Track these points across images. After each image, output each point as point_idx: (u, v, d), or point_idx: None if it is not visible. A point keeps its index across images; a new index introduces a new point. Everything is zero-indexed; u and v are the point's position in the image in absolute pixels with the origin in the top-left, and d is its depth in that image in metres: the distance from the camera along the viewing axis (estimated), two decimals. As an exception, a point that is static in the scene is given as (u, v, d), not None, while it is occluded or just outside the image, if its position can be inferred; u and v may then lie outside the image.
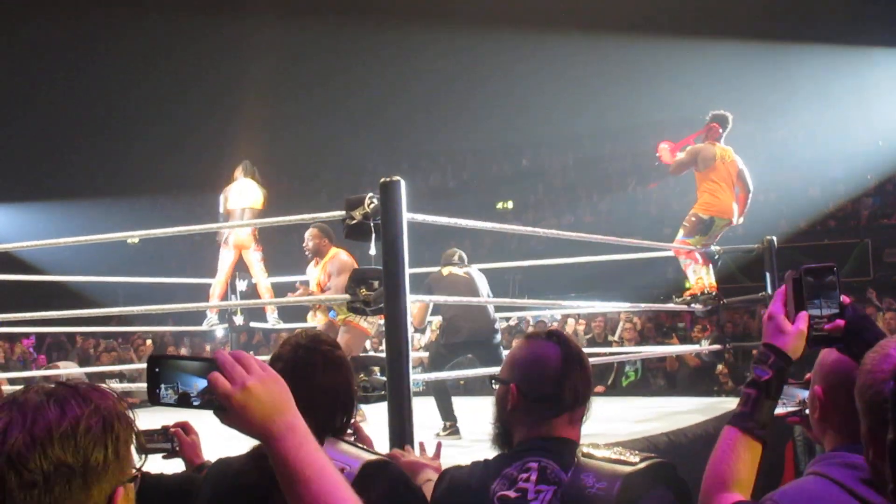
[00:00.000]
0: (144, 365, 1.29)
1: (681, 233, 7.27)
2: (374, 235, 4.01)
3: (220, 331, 9.79)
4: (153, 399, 1.26)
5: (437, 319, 7.11)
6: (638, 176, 19.02)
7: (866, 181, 16.47)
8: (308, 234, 6.89)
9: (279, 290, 8.54)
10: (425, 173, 22.81)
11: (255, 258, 8.33)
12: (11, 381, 7.86)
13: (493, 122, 22.32)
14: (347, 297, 4.14)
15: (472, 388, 8.97)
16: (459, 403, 6.16)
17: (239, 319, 8.51)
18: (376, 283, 3.99)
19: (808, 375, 1.82)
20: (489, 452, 2.18)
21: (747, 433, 1.68)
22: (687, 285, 7.43)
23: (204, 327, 8.65)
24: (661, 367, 10.16)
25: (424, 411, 5.26)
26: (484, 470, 2.06)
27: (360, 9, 20.61)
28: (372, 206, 3.99)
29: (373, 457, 2.08)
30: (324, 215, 4.61)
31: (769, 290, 7.07)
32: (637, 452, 1.97)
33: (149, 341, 12.87)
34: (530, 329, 11.25)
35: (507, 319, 11.48)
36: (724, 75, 18.16)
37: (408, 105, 21.95)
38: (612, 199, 19.21)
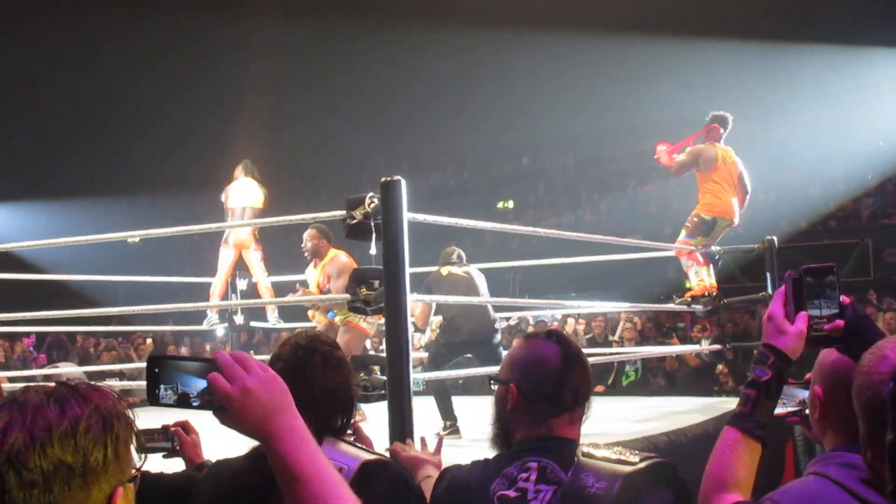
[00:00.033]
0: (144, 364, 1.30)
1: (683, 233, 7.27)
2: (374, 235, 4.01)
3: (220, 330, 9.80)
4: (153, 399, 1.26)
5: (437, 319, 7.11)
6: (638, 176, 19.02)
7: (867, 181, 16.46)
8: (306, 235, 6.89)
9: (279, 289, 8.54)
10: (426, 173, 22.78)
11: (255, 258, 8.33)
12: (11, 380, 7.86)
13: (494, 121, 22.30)
14: (348, 296, 4.14)
15: (471, 387, 8.97)
16: (459, 403, 6.16)
17: (239, 319, 8.52)
18: (377, 283, 3.99)
19: (808, 375, 1.82)
20: (489, 452, 2.18)
21: (747, 433, 1.68)
22: (688, 285, 7.43)
23: (204, 326, 8.66)
24: (661, 366, 10.16)
25: (424, 411, 5.26)
26: (484, 469, 2.06)
27: (360, 8, 20.62)
28: (372, 205, 3.99)
29: (371, 456, 2.08)
30: (324, 215, 4.61)
31: (769, 290, 7.06)
32: (637, 452, 1.97)
33: (149, 340, 12.88)
34: (530, 329, 11.25)
35: (508, 319, 11.48)
36: (725, 75, 18.15)
37: (408, 105, 21.94)
38: (613, 199, 19.20)
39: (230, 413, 1.22)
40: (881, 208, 16.29)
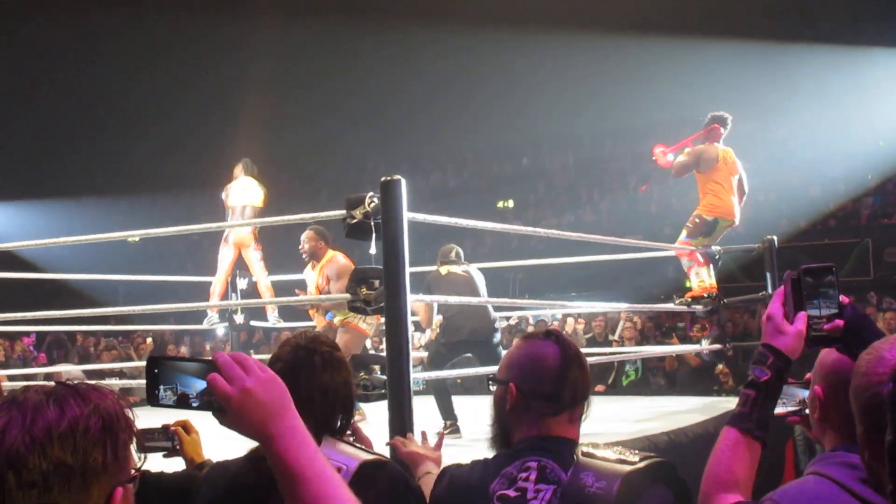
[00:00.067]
0: (145, 363, 1.30)
1: (683, 233, 7.26)
2: (374, 235, 4.01)
3: (220, 329, 9.80)
4: (152, 400, 1.26)
5: (437, 319, 7.11)
6: (638, 175, 19.02)
7: (867, 181, 16.46)
8: (304, 237, 6.90)
9: (279, 288, 8.55)
10: (426, 173, 22.78)
11: (255, 257, 8.34)
12: (11, 378, 7.86)
13: (494, 121, 22.30)
14: (348, 296, 4.14)
15: (470, 386, 8.96)
16: (458, 402, 6.16)
17: (239, 318, 8.52)
18: (377, 283, 3.99)
19: (808, 375, 1.82)
20: (489, 452, 2.18)
21: (746, 434, 1.68)
22: (688, 285, 7.43)
23: (204, 325, 8.66)
24: (661, 366, 10.16)
25: (425, 410, 5.26)
26: (484, 469, 2.06)
27: (360, 8, 20.61)
28: (372, 205, 3.99)
29: (370, 456, 2.08)
30: (324, 214, 4.61)
31: (770, 290, 7.06)
32: (637, 452, 1.97)
33: (149, 339, 12.89)
34: (530, 329, 11.25)
35: (508, 319, 11.48)
36: (725, 75, 18.15)
37: (408, 104, 21.93)
38: (613, 199, 19.20)
39: (230, 414, 1.22)
40: (881, 208, 16.29)
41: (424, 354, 7.41)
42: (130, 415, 1.19)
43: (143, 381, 1.28)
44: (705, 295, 7.14)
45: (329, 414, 2.14)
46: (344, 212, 4.10)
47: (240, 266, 8.39)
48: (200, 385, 1.24)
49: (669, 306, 7.77)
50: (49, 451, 1.09)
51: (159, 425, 2.65)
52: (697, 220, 7.17)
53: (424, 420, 4.40)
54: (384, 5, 20.27)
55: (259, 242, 8.41)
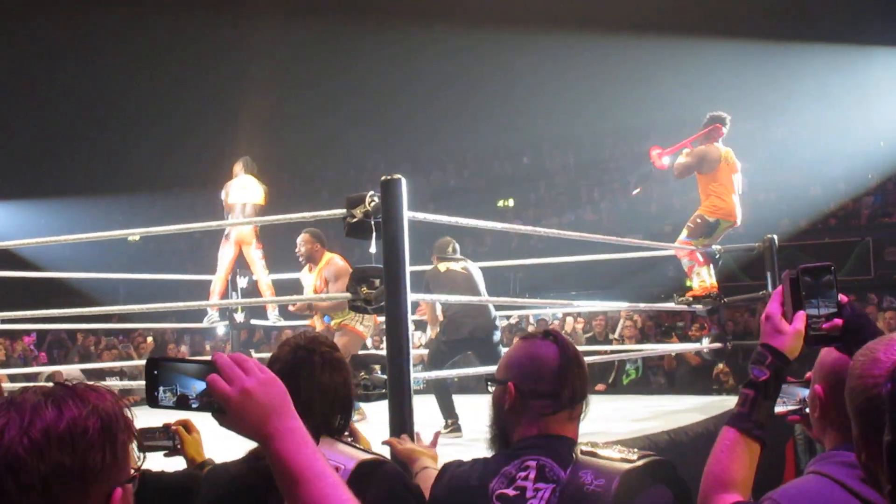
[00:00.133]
0: (145, 363, 1.30)
1: (684, 233, 7.25)
2: (374, 234, 4.02)
3: (220, 328, 9.80)
4: (152, 401, 1.26)
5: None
6: (639, 175, 19.02)
7: (867, 180, 16.47)
8: (300, 239, 6.91)
9: (280, 287, 8.55)
10: (426, 172, 22.78)
11: (256, 255, 8.34)
12: (11, 378, 7.87)
13: (494, 121, 22.30)
14: (348, 295, 4.14)
15: (467, 385, 8.93)
16: (457, 401, 6.15)
17: (240, 317, 8.52)
18: (377, 282, 4.00)
19: (808, 374, 1.82)
20: (488, 451, 2.18)
21: (745, 433, 1.69)
22: (688, 284, 7.42)
23: (205, 324, 8.67)
24: (661, 365, 10.16)
25: (425, 409, 5.27)
26: (483, 468, 2.07)
27: (361, 8, 20.60)
28: (373, 204, 4.00)
29: (368, 456, 2.08)
30: (325, 214, 4.61)
31: (770, 289, 7.06)
32: (636, 450, 1.97)
33: (149, 339, 12.88)
34: (531, 328, 11.26)
35: (508, 318, 11.48)
36: (725, 75, 18.16)
37: (409, 104, 21.94)
38: (613, 198, 19.20)
39: (229, 414, 1.22)
40: (881, 207, 16.30)
41: (425, 353, 7.40)
42: (129, 415, 1.19)
43: (144, 382, 1.28)
44: (706, 295, 7.14)
45: (328, 414, 2.14)
46: (344, 211, 4.11)
47: (240, 264, 8.39)
48: (200, 386, 1.24)
49: (670, 305, 7.77)
50: (47, 453, 1.08)
51: (160, 424, 2.65)
52: (699, 221, 7.15)
53: (425, 419, 4.41)
54: (384, 5, 20.27)
55: (260, 241, 8.41)
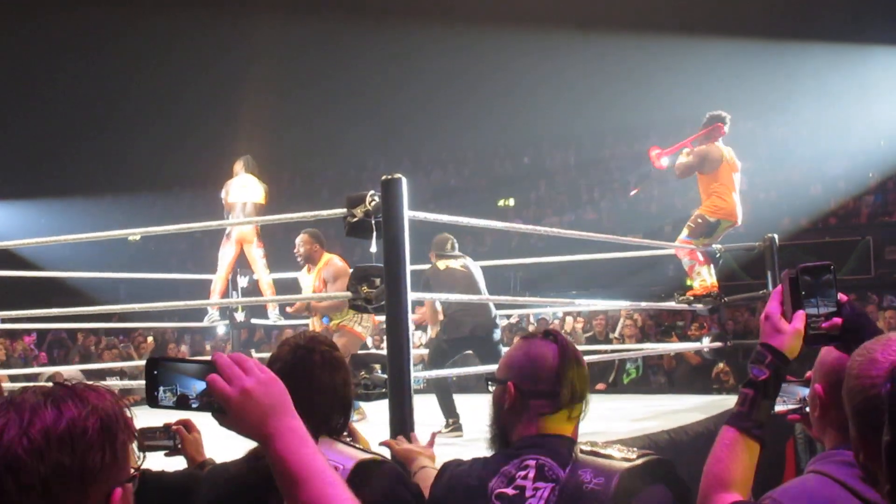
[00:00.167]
0: (145, 362, 1.30)
1: (685, 232, 7.23)
2: (375, 233, 4.02)
3: (221, 327, 9.80)
4: (152, 401, 1.26)
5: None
6: (639, 175, 19.04)
7: (867, 179, 16.48)
8: (299, 240, 6.90)
9: (280, 286, 8.55)
10: (427, 171, 22.80)
11: (257, 254, 8.34)
12: (12, 378, 7.87)
13: (495, 120, 22.32)
14: (349, 294, 4.14)
15: (465, 384, 8.90)
16: (456, 401, 6.14)
17: (240, 316, 8.51)
18: (378, 281, 4.00)
19: (808, 373, 1.82)
20: (488, 451, 2.19)
21: (745, 433, 1.69)
22: (689, 283, 7.41)
23: (205, 323, 8.66)
24: (661, 364, 10.15)
25: (426, 409, 5.26)
26: (483, 467, 2.07)
27: (361, 6, 20.62)
28: (373, 203, 3.99)
29: (367, 456, 2.08)
30: (325, 213, 4.61)
31: (770, 288, 7.05)
32: (635, 449, 1.98)
33: (150, 338, 12.88)
34: (531, 327, 11.26)
35: (508, 317, 11.47)
36: (725, 74, 18.18)
37: (409, 103, 21.95)
38: (614, 197, 19.22)
39: (229, 414, 1.22)
40: (882, 206, 16.31)
41: (425, 353, 7.39)
42: (129, 415, 1.19)
43: (144, 381, 1.28)
44: (707, 294, 7.13)
45: (328, 413, 2.14)
46: (345, 210, 4.10)
47: (240, 264, 8.39)
48: (200, 386, 1.24)
49: (670, 305, 7.76)
50: (47, 453, 1.08)
51: (161, 424, 2.65)
52: (700, 221, 7.13)
53: (425, 419, 4.41)
54: (385, 4, 20.28)
55: (261, 239, 8.41)
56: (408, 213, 3.92)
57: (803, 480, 1.59)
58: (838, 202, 16.40)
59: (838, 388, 1.61)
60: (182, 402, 1.25)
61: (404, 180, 3.95)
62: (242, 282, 8.37)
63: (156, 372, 1.26)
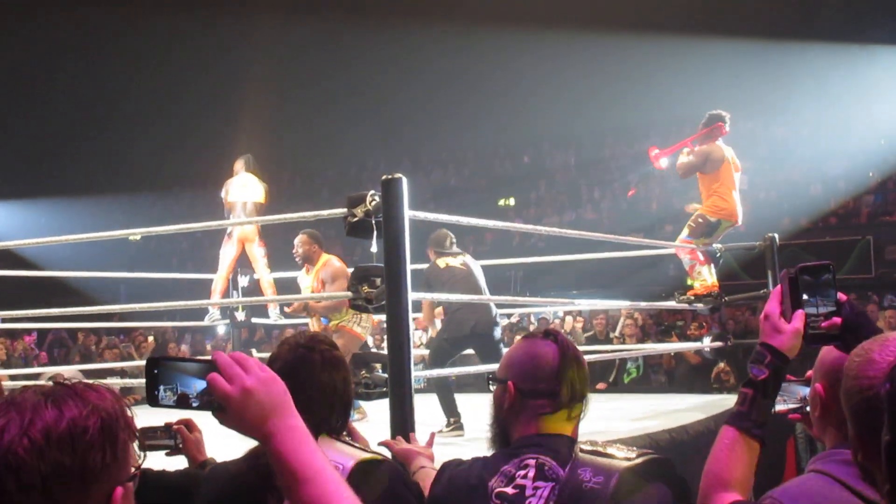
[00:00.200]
0: (146, 362, 1.30)
1: (685, 232, 7.22)
2: (375, 233, 4.02)
3: (221, 327, 9.80)
4: (152, 400, 1.26)
5: (437, 311, 7.07)
6: (640, 174, 19.04)
7: (868, 178, 16.48)
8: (298, 240, 6.91)
9: (281, 286, 8.55)
10: (427, 171, 22.81)
11: (258, 253, 8.35)
12: (12, 378, 7.87)
13: (495, 119, 22.32)
14: (349, 294, 4.14)
15: (463, 384, 8.89)
16: (457, 400, 6.14)
17: (240, 315, 8.51)
18: (378, 281, 4.00)
19: (808, 373, 1.82)
20: (488, 450, 2.19)
21: (745, 433, 1.69)
22: (689, 283, 7.41)
23: (206, 322, 8.67)
24: (662, 363, 10.15)
25: (426, 408, 5.26)
26: (483, 466, 2.07)
27: (361, 6, 20.62)
28: (374, 203, 3.99)
29: (367, 455, 2.08)
30: (325, 213, 4.61)
31: (771, 288, 7.05)
32: (635, 449, 1.98)
33: (150, 338, 12.88)
34: (532, 327, 11.26)
35: (509, 316, 11.47)
36: (726, 73, 18.17)
37: (409, 103, 21.96)
38: (614, 197, 19.22)
39: (229, 413, 1.22)
40: (882, 206, 16.31)
41: (426, 352, 7.39)
42: (130, 414, 1.19)
43: (144, 381, 1.28)
44: (708, 294, 7.12)
45: (328, 413, 2.14)
46: (345, 210, 4.10)
47: (241, 263, 8.40)
48: (200, 385, 1.24)
49: (671, 304, 7.76)
50: (47, 453, 1.08)
51: (162, 424, 2.65)
52: (700, 221, 7.12)
53: (426, 418, 4.41)
54: (385, 4, 20.28)
55: (262, 238, 8.42)
56: (408, 213, 3.92)
57: (804, 480, 1.60)
58: (838, 202, 16.40)
59: (839, 387, 1.61)
60: (182, 401, 1.25)
61: (405, 180, 3.95)
62: (243, 281, 8.37)
63: (156, 371, 1.26)
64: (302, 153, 23.22)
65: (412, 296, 3.96)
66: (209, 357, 1.26)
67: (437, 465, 2.36)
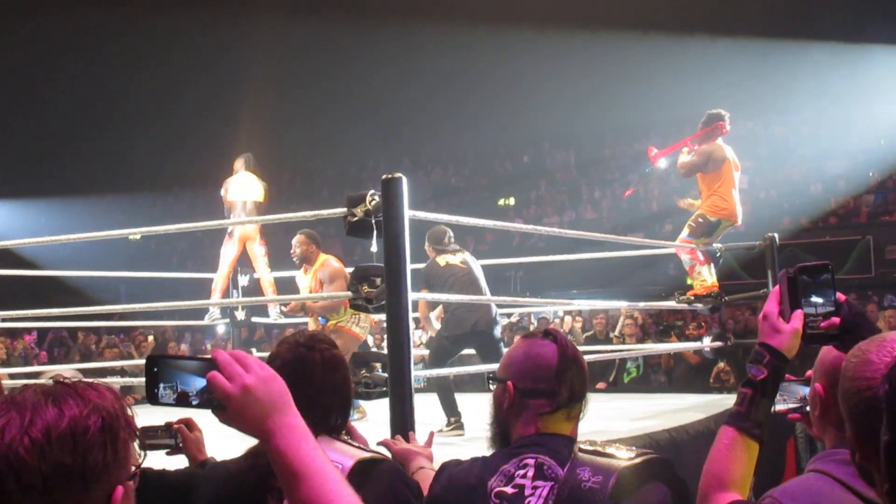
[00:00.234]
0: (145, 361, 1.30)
1: (685, 232, 7.22)
2: (375, 232, 4.02)
3: (221, 326, 9.80)
4: (152, 399, 1.26)
5: (437, 310, 7.06)
6: (640, 174, 19.03)
7: (868, 178, 16.48)
8: (295, 241, 6.91)
9: (280, 285, 8.56)
10: (427, 170, 22.81)
11: (259, 252, 8.34)
12: (12, 377, 7.87)
13: (495, 119, 22.32)
14: (349, 294, 4.14)
15: (461, 383, 8.87)
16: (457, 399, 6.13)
17: (240, 314, 8.52)
18: (378, 280, 4.00)
19: (808, 372, 1.82)
20: (487, 450, 2.19)
21: (744, 432, 1.69)
22: (689, 282, 7.41)
23: (205, 321, 8.67)
24: (661, 363, 10.15)
25: (426, 408, 5.26)
26: (482, 466, 2.07)
27: (361, 6, 20.62)
28: (374, 203, 4.00)
29: (366, 454, 2.08)
30: (325, 212, 4.61)
31: (771, 287, 7.04)
32: (634, 448, 1.98)
33: (150, 337, 12.88)
34: (532, 326, 11.26)
35: (509, 316, 11.47)
36: (726, 73, 18.17)
37: (409, 102, 21.96)
38: (614, 196, 19.22)
39: (229, 411, 1.22)
40: (882, 205, 16.31)
41: (426, 353, 7.38)
42: (130, 413, 1.18)
43: (144, 380, 1.28)
44: (708, 294, 7.12)
45: (327, 412, 2.14)
46: (345, 210, 4.11)
47: (241, 262, 8.40)
48: (200, 383, 1.24)
49: (671, 304, 7.76)
50: (48, 452, 1.08)
51: (162, 423, 2.65)
52: (700, 220, 7.12)
53: (426, 417, 4.41)
54: (385, 4, 20.28)
55: (263, 237, 8.42)
56: (408, 213, 3.93)
57: (804, 479, 1.60)
58: (838, 201, 16.39)
59: (838, 386, 1.61)
60: (182, 400, 1.25)
61: (405, 180, 3.95)
62: (243, 280, 8.37)
63: (156, 369, 1.25)
64: (302, 153, 23.21)
65: (412, 296, 3.97)
66: (209, 355, 1.26)
67: (437, 464, 2.36)
